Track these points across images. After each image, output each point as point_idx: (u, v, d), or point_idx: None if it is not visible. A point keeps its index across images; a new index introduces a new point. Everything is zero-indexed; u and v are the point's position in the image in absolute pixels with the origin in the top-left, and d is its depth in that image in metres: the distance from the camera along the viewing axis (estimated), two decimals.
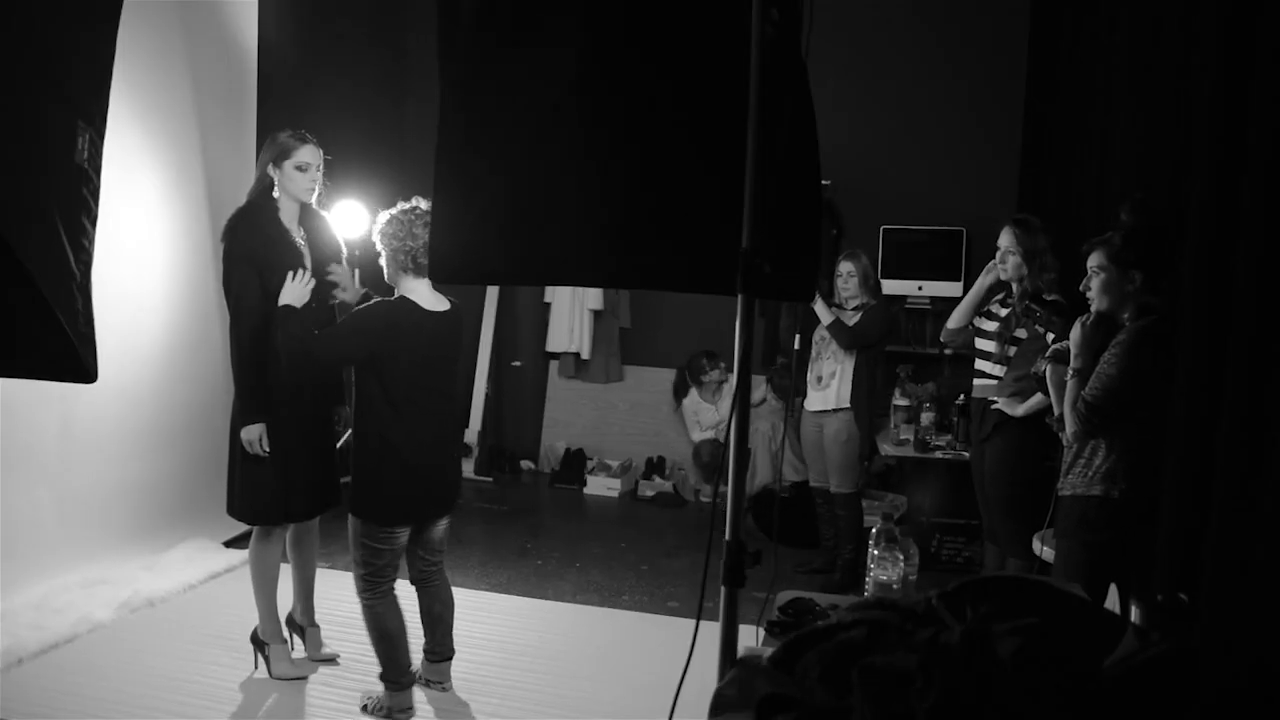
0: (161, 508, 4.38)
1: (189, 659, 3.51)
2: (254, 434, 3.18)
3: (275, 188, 3.27)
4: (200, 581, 4.22)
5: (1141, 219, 2.59)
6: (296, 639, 3.61)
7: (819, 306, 4.52)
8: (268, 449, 3.21)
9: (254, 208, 3.26)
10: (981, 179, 5.88)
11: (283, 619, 3.57)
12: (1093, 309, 2.66)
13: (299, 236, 3.30)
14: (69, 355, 1.83)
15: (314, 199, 3.34)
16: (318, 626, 3.62)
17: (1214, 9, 1.76)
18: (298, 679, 3.40)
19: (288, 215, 3.29)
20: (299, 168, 3.24)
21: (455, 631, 3.37)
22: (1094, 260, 2.64)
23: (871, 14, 6.12)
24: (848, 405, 4.53)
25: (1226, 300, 1.59)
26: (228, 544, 4.52)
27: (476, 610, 4.12)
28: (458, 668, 3.53)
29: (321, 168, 3.32)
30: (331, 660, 3.58)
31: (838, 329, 4.51)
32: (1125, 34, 3.44)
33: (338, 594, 4.16)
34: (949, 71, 6.03)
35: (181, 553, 4.36)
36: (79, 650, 3.53)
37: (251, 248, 3.19)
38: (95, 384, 1.92)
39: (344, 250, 3.45)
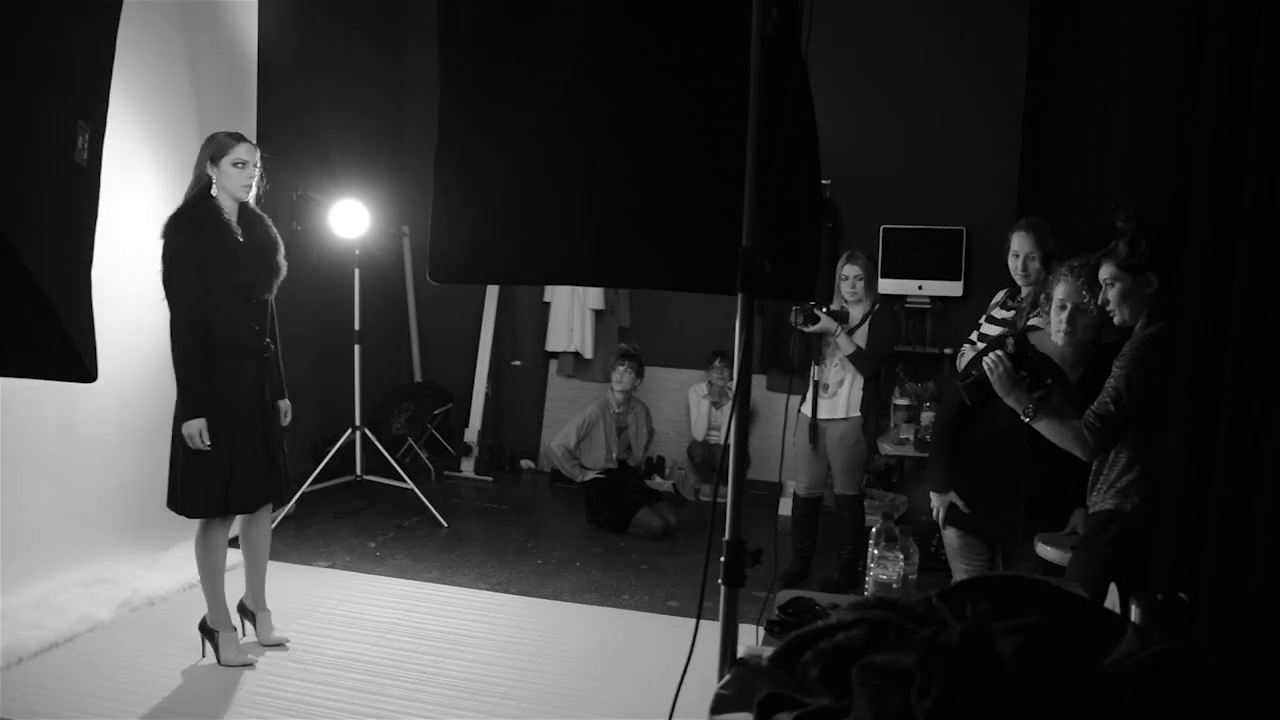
0: (161, 506, 4.34)
1: (189, 658, 3.51)
2: (195, 428, 3.25)
3: (214, 186, 3.34)
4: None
5: (1139, 222, 2.53)
6: (247, 624, 3.66)
7: (841, 339, 4.49)
8: (208, 443, 3.26)
9: (194, 205, 3.32)
10: (982, 179, 5.88)
11: (233, 607, 3.62)
12: (1115, 320, 2.58)
13: (238, 234, 3.36)
14: (69, 354, 1.83)
15: (251, 196, 3.41)
16: (268, 611, 3.69)
17: (1220, 11, 1.76)
18: (244, 665, 3.44)
19: (228, 213, 3.36)
20: (235, 164, 3.32)
21: (455, 630, 3.35)
22: (1105, 273, 2.55)
23: (872, 13, 6.13)
24: (858, 414, 4.53)
25: (1227, 303, 1.59)
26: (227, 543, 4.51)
27: (476, 610, 4.12)
28: (458, 667, 3.53)
29: (259, 165, 3.39)
30: (280, 645, 3.63)
31: (860, 359, 4.49)
32: (1126, 33, 3.44)
33: (340, 593, 4.17)
34: (949, 71, 6.03)
35: (181, 552, 4.34)
36: (79, 650, 3.53)
37: (194, 244, 3.25)
38: (95, 383, 1.92)
39: (281, 246, 3.50)
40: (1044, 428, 2.59)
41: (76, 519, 3.97)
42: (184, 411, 3.28)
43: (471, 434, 6.60)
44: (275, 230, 3.50)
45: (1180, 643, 1.33)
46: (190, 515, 3.42)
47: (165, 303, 3.28)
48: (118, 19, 1.89)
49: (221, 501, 3.38)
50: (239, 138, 3.36)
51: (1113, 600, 2.52)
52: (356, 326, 5.62)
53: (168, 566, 4.22)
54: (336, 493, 5.62)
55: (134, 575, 4.06)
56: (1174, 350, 2.19)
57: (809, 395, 4.67)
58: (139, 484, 4.27)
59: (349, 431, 5.56)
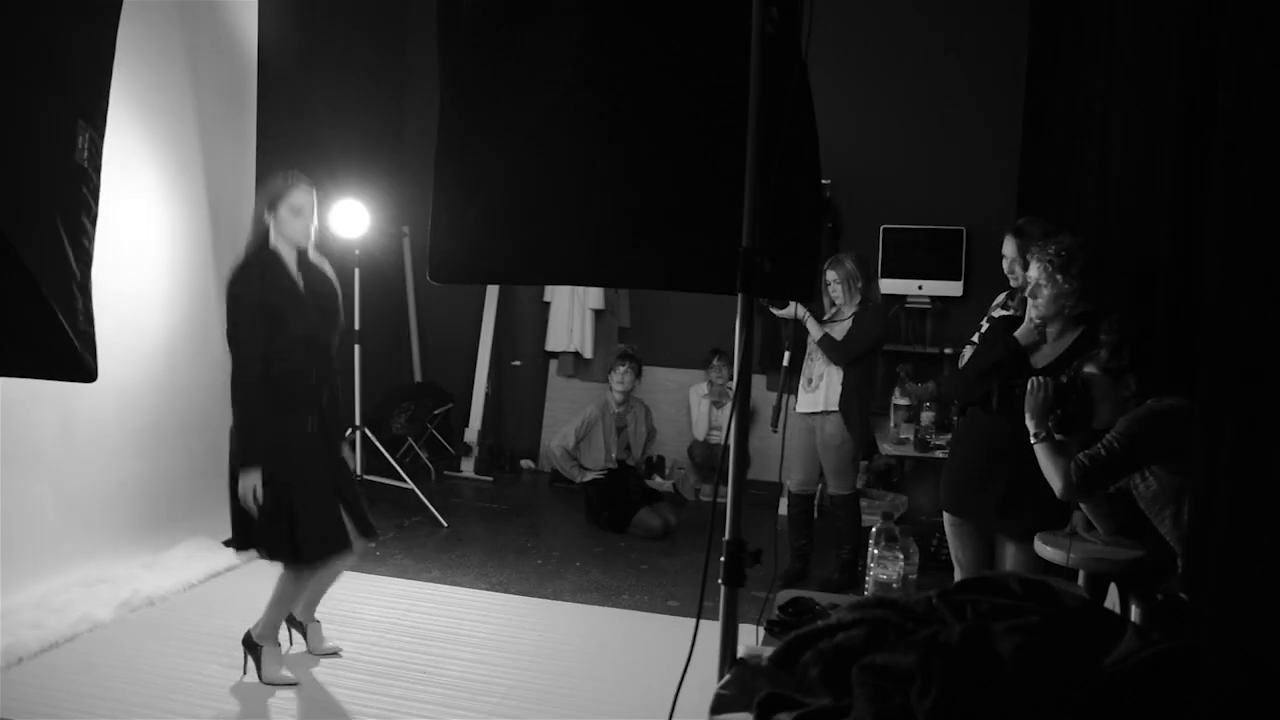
0: (162, 506, 4.38)
1: (189, 658, 3.50)
2: (249, 485, 3.14)
3: (271, 234, 3.22)
4: (200, 580, 4.22)
5: (1122, 333, 2.66)
6: (296, 634, 3.61)
7: (810, 324, 4.53)
8: (260, 501, 3.16)
9: (260, 257, 3.22)
10: (981, 179, 5.88)
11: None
12: (1093, 423, 2.67)
13: (299, 283, 3.26)
14: (69, 354, 1.83)
15: (310, 243, 3.30)
16: (318, 622, 3.63)
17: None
18: (289, 684, 3.35)
19: (287, 261, 3.25)
20: (293, 211, 3.21)
21: (455, 630, 3.34)
22: (1087, 369, 2.71)
23: (872, 14, 6.13)
24: (836, 409, 4.53)
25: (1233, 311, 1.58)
26: (228, 543, 4.51)
27: (476, 610, 4.12)
28: (458, 667, 3.53)
29: (315, 208, 3.28)
30: (334, 654, 3.59)
31: (828, 345, 4.51)
32: (1126, 33, 3.44)
33: (340, 593, 4.17)
34: (949, 71, 6.03)
35: (182, 551, 4.36)
36: (79, 650, 3.53)
37: (265, 296, 3.15)
38: (95, 383, 1.93)
39: (340, 294, 3.42)
40: (1040, 451, 2.66)
41: (76, 519, 3.97)
42: (240, 459, 3.16)
43: (471, 434, 6.61)
44: (334, 278, 3.41)
45: (1180, 643, 1.34)
46: (265, 558, 3.32)
47: (229, 354, 3.18)
48: (118, 19, 1.89)
49: (290, 548, 3.26)
50: (295, 180, 3.23)
51: (1113, 600, 2.53)
52: (356, 326, 5.62)
53: (168, 566, 4.22)
54: None
55: (134, 575, 4.05)
56: (1165, 422, 2.42)
57: (800, 391, 4.70)
58: (139, 484, 4.28)
59: (349, 431, 5.55)
